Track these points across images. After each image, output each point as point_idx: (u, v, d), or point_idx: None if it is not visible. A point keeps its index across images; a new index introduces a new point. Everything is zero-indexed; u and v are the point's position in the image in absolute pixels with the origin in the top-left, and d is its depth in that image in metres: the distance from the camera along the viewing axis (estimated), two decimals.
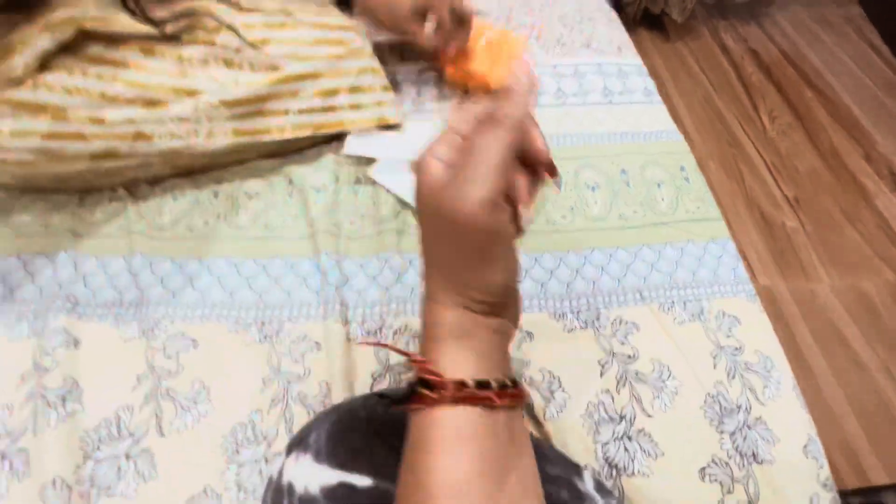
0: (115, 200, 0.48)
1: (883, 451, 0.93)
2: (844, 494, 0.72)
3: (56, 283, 0.42)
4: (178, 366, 0.39)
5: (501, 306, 0.24)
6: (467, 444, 0.21)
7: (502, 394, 0.23)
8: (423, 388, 0.22)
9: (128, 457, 0.35)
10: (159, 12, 0.43)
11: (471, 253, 0.22)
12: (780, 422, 0.39)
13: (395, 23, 0.52)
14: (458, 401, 0.21)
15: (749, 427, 0.39)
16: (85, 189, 0.48)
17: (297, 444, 0.28)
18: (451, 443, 0.21)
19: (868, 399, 0.99)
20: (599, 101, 0.59)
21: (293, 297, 0.43)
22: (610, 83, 0.61)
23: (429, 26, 0.50)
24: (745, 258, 1.20)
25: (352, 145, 0.51)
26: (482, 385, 0.22)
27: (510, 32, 0.55)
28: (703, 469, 0.37)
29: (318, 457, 0.27)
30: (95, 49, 0.42)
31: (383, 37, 0.57)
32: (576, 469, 0.33)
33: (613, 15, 0.70)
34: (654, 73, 1.66)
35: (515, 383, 0.24)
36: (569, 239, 0.48)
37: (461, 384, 0.22)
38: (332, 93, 0.50)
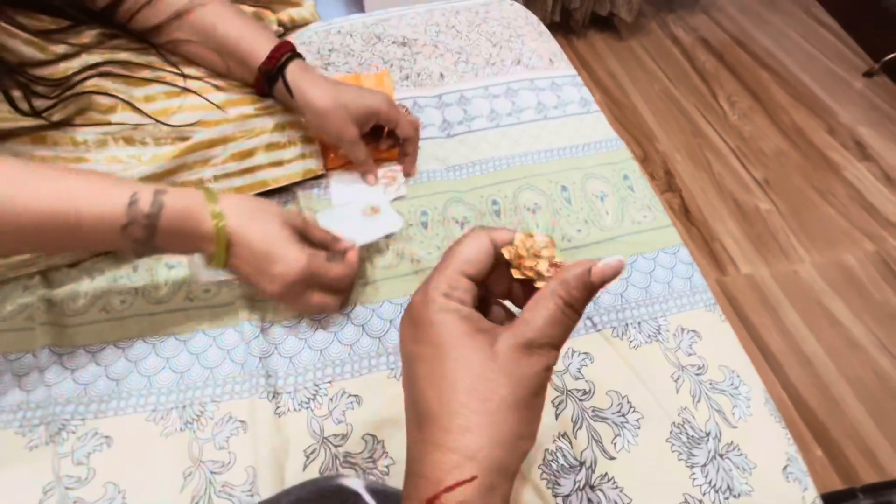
0: (28, 290, 0.45)
1: (892, 435, 0.89)
2: (862, 491, 0.68)
3: None
4: (89, 471, 0.35)
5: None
6: None
7: None
8: None
9: None
10: (44, 100, 0.40)
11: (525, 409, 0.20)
12: (755, 444, 0.36)
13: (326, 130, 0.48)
14: None
15: (721, 456, 0.35)
16: (0, 283, 0.45)
17: None
18: None
19: (868, 378, 0.96)
20: (534, 117, 0.57)
21: (216, 373, 0.39)
22: (544, 98, 0.59)
23: (384, 144, 0.51)
24: (724, 248, 1.17)
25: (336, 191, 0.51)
26: None
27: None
28: None
29: None
30: None
31: None
32: None
33: (542, 28, 0.68)
34: (610, 74, 1.67)
35: None
36: None
37: None
38: (248, 154, 0.47)
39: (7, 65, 0.38)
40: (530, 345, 0.20)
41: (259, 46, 0.45)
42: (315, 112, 0.45)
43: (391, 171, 0.52)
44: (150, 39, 0.47)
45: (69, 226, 0.33)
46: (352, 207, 0.48)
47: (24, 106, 0.39)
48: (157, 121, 0.44)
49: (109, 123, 0.43)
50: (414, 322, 0.22)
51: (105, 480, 0.35)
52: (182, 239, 0.36)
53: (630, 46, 1.65)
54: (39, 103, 0.40)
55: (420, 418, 0.21)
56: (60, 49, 0.42)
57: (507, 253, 0.22)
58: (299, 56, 0.47)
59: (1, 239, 0.33)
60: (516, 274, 0.22)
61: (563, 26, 1.64)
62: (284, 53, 0.45)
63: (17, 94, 0.39)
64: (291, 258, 0.37)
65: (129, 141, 0.43)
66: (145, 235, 0.34)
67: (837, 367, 0.98)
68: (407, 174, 0.52)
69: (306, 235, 0.40)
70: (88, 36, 0.45)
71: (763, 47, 1.62)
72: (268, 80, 0.46)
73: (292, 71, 0.45)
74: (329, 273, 0.39)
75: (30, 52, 0.40)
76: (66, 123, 0.41)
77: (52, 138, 0.41)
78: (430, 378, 0.20)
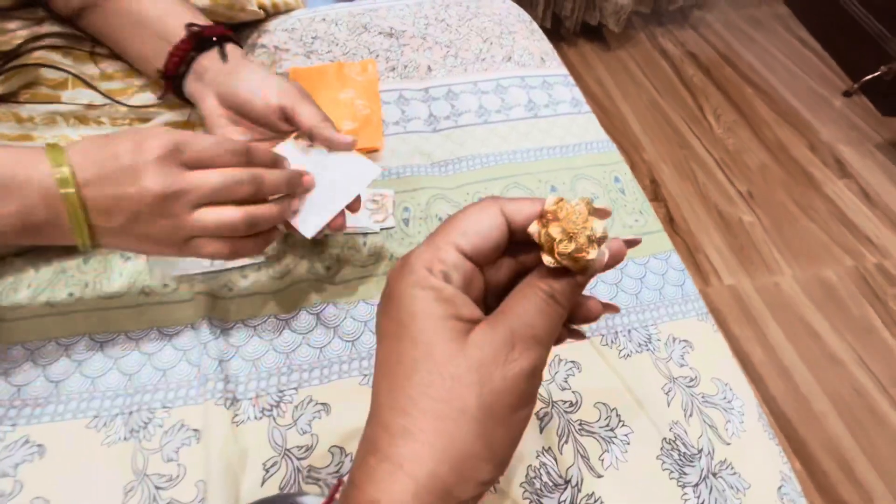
0: None
1: (870, 450, 0.89)
2: None
3: None
4: (16, 484, 0.31)
5: None
6: None
7: None
8: None
9: None
10: None
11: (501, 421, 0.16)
12: (749, 462, 0.34)
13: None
14: None
15: (714, 475, 0.33)
16: None
17: None
18: None
19: (847, 393, 0.96)
20: (524, 115, 0.55)
21: (169, 377, 0.36)
22: (534, 96, 0.57)
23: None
24: (707, 259, 1.17)
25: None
26: None
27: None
28: None
29: None
30: None
31: None
32: None
33: (535, 26, 0.67)
34: (598, 83, 1.68)
35: None
36: None
37: None
38: None
39: None
40: (511, 337, 0.16)
41: (159, 49, 0.38)
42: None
43: (378, 194, 0.47)
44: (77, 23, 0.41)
45: None
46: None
47: None
48: (113, 100, 0.40)
49: (59, 101, 0.39)
50: (387, 292, 0.18)
51: (34, 495, 0.31)
52: (13, 201, 0.26)
53: (619, 56, 1.66)
54: None
55: (370, 410, 0.17)
56: (12, 25, 0.38)
57: (536, 233, 0.17)
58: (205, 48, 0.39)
59: None
60: (549, 262, 0.17)
61: (553, 33, 1.64)
62: (179, 65, 0.38)
63: None
64: (152, 132, 0.28)
65: (82, 120, 0.39)
66: None
67: (817, 380, 0.98)
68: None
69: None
70: (43, 12, 0.41)
71: (748, 64, 1.64)
72: (175, 88, 0.40)
73: (189, 82, 0.39)
74: (201, 144, 0.29)
75: None
76: (8, 98, 0.37)
77: None
78: (387, 362, 0.17)
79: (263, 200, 0.31)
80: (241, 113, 0.38)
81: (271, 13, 0.63)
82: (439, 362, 0.16)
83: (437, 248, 0.18)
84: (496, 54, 0.61)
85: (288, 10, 0.64)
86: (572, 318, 0.21)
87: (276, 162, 0.33)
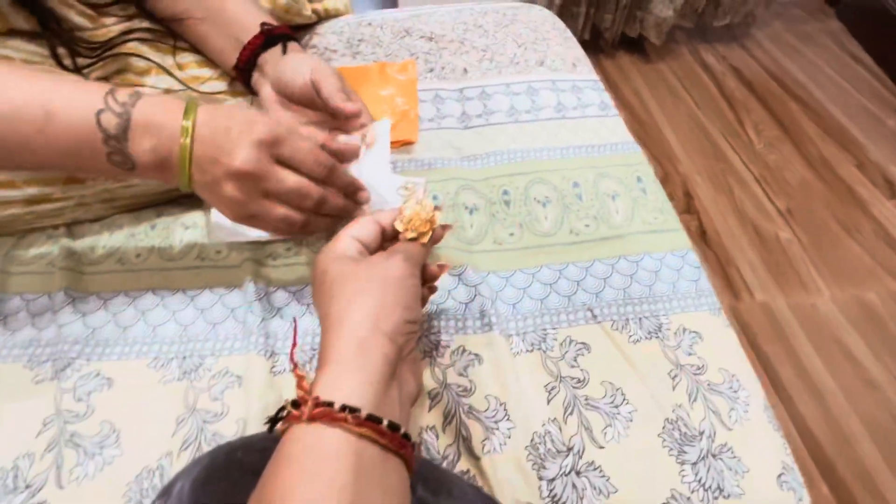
0: (51, 239, 0.47)
1: None
2: None
3: None
4: (88, 408, 0.36)
5: (402, 339, 0.27)
6: (316, 463, 0.20)
7: (370, 426, 0.21)
8: (292, 407, 0.22)
9: None
10: (86, 59, 0.43)
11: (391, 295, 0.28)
12: (750, 449, 0.35)
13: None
14: (314, 417, 0.21)
15: (714, 456, 0.35)
16: (27, 231, 0.47)
17: (162, 494, 0.25)
18: (297, 459, 0.20)
19: (884, 419, 0.92)
20: (552, 116, 0.58)
21: (218, 329, 0.40)
22: (564, 99, 0.60)
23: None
24: (739, 274, 1.15)
25: None
26: (349, 409, 0.21)
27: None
28: None
29: None
30: None
31: None
32: None
33: (569, 34, 0.70)
34: (635, 93, 1.68)
35: (395, 428, 0.22)
36: (516, 257, 0.46)
37: (324, 403, 0.21)
38: None
39: (59, 27, 0.41)
40: (390, 251, 0.31)
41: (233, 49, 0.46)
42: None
43: (411, 182, 0.51)
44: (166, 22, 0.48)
45: (40, 119, 0.31)
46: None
47: (69, 63, 0.42)
48: (188, 87, 0.46)
49: (143, 86, 0.45)
50: (321, 266, 0.30)
51: (102, 418, 0.36)
52: (152, 138, 0.32)
53: (658, 69, 1.65)
54: (81, 62, 0.43)
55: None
56: (109, 20, 0.45)
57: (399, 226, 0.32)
58: (272, 44, 0.45)
59: None
60: (407, 237, 0.32)
61: (592, 45, 1.65)
62: (248, 59, 0.45)
63: (62, 52, 0.42)
64: (253, 118, 0.33)
65: None
66: (119, 128, 0.31)
67: (851, 404, 0.94)
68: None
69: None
70: (132, 10, 0.47)
71: (794, 79, 1.60)
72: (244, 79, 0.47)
73: (255, 77, 0.46)
74: (297, 137, 0.34)
75: (80, 20, 0.43)
76: (103, 82, 0.44)
77: None
78: (335, 288, 0.29)
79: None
80: (285, 94, 0.44)
81: (322, 17, 0.69)
82: (360, 268, 0.28)
83: (345, 241, 0.30)
84: (529, 59, 0.64)
85: (337, 15, 0.70)
86: (424, 277, 0.34)
87: (349, 185, 0.39)
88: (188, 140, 0.32)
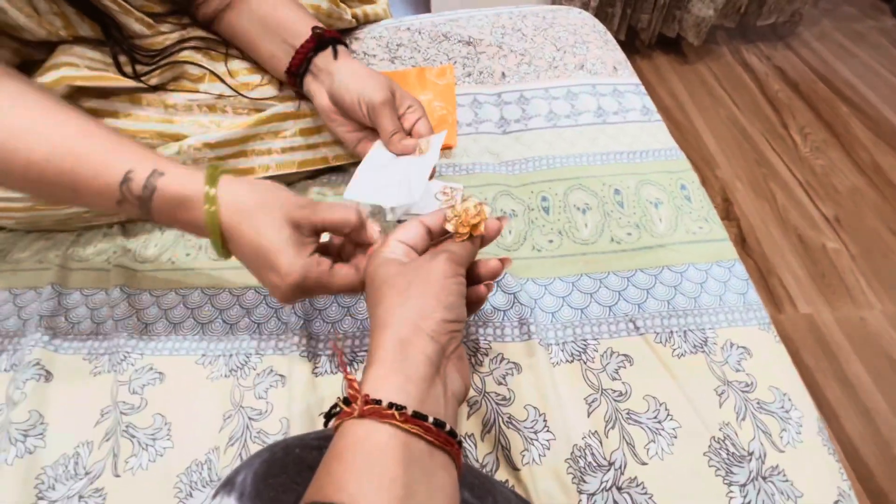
0: (107, 237, 0.49)
1: None
2: None
3: (38, 316, 0.42)
4: (142, 401, 0.38)
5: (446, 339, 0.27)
6: (367, 456, 0.21)
7: (415, 422, 0.22)
8: (344, 404, 0.23)
9: (80, 497, 0.34)
10: (145, 66, 0.45)
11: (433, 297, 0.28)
12: (803, 472, 0.34)
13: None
14: (364, 414, 0.22)
15: (764, 478, 0.33)
16: (85, 228, 0.50)
17: (224, 485, 0.26)
18: (350, 452, 0.21)
19: None
20: (592, 121, 0.57)
21: (263, 329, 0.42)
22: (604, 103, 0.59)
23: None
24: (782, 285, 1.10)
25: (352, 191, 0.45)
26: (395, 406, 0.22)
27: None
28: None
29: (242, 499, 0.25)
30: (89, 103, 0.44)
31: None
32: None
33: (609, 37, 0.68)
34: (671, 95, 1.63)
35: (441, 425, 0.23)
36: (555, 264, 0.45)
37: (373, 401, 0.23)
38: (315, 131, 0.50)
39: (120, 34, 0.43)
40: (434, 253, 0.30)
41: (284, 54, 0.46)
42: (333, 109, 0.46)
43: (449, 187, 0.50)
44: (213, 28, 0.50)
45: (70, 191, 0.33)
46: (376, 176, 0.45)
47: (128, 69, 0.44)
48: (238, 93, 0.47)
49: (197, 91, 0.47)
50: (370, 270, 0.31)
51: (155, 411, 0.37)
52: (178, 223, 0.33)
53: (696, 70, 1.60)
54: (140, 69, 0.45)
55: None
56: (165, 28, 0.47)
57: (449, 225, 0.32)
58: (322, 48, 0.46)
59: (11, 183, 0.34)
60: (460, 237, 0.32)
61: (627, 45, 1.62)
62: (301, 63, 0.46)
63: (123, 59, 0.44)
64: (283, 270, 0.32)
65: (211, 108, 0.47)
66: (141, 213, 0.33)
67: None
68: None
69: (316, 225, 0.34)
70: (188, 19, 0.49)
71: (845, 80, 1.52)
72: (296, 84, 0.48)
73: (308, 81, 0.47)
74: (331, 284, 0.34)
75: (139, 28, 0.45)
76: (160, 88, 0.46)
77: (146, 99, 0.46)
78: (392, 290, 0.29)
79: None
80: (338, 107, 0.44)
81: (362, 22, 0.70)
82: (404, 270, 0.29)
83: (391, 245, 0.31)
84: (569, 63, 0.63)
85: (377, 20, 0.71)
86: (475, 276, 0.34)
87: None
88: (217, 238, 0.33)
